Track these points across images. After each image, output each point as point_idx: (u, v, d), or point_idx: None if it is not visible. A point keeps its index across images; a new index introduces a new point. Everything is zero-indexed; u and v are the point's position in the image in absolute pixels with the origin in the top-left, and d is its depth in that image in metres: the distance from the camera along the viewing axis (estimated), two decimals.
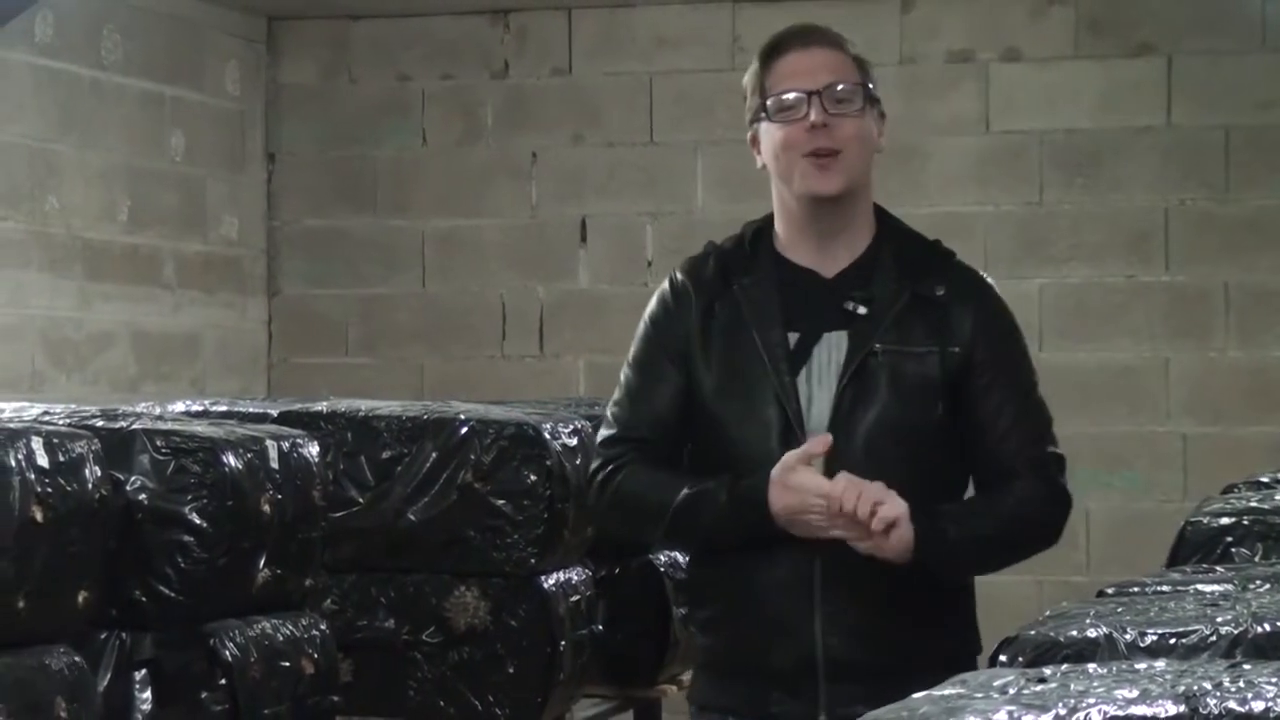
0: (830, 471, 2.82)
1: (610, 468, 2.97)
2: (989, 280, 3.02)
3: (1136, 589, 2.01)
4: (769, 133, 2.93)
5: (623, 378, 3.03)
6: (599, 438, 3.06)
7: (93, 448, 3.35)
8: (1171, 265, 6.92)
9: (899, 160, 6.92)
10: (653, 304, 3.04)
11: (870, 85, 2.97)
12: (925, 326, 2.90)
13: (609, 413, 3.03)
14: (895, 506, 2.75)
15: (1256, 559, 2.39)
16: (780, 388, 2.86)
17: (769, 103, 2.92)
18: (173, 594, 3.57)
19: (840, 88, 2.91)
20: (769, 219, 3.01)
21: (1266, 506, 2.54)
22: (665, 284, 3.03)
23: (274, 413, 4.42)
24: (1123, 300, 6.93)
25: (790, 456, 2.78)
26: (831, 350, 2.90)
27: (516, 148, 7.37)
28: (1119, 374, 6.91)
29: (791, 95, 2.90)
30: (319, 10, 7.39)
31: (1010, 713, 1.39)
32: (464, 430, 4.37)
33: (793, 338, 2.91)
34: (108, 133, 6.70)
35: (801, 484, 2.77)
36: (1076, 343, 6.90)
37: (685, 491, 2.88)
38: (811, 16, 7.18)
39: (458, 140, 7.42)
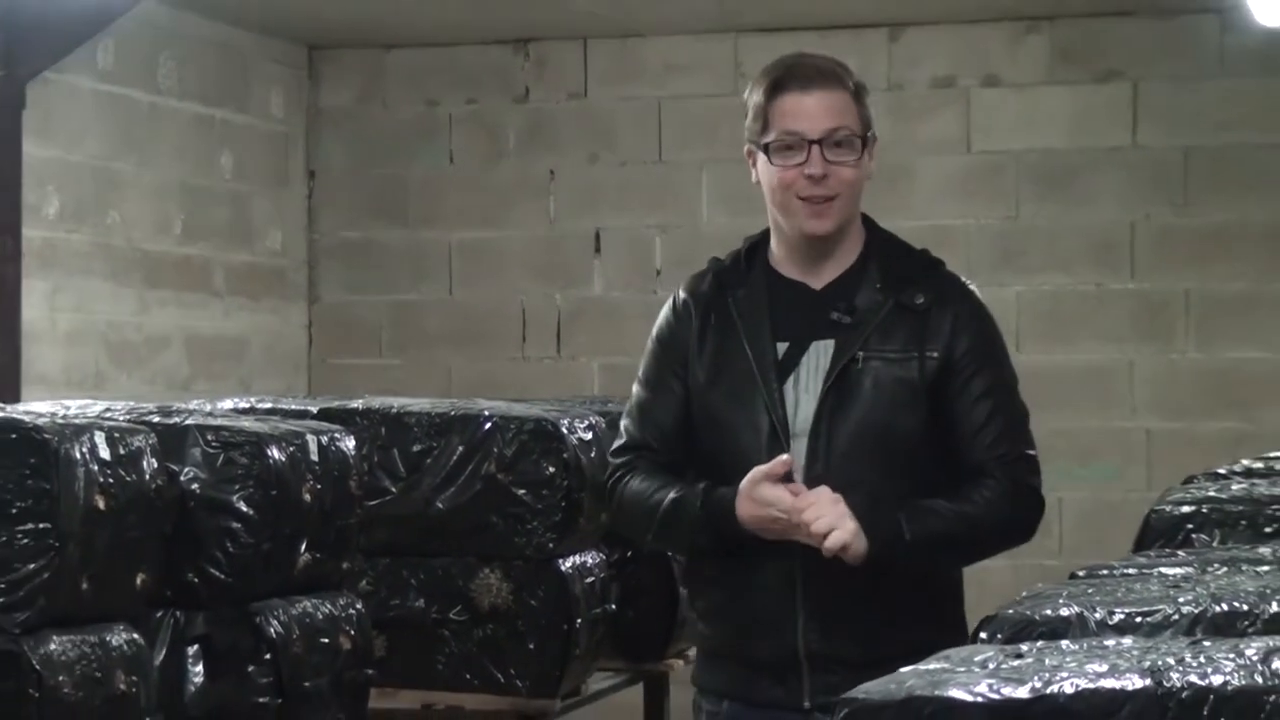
0: (813, 472, 2.79)
1: (616, 476, 2.96)
2: (970, 287, 2.97)
3: (1105, 572, 2.01)
4: (767, 168, 2.88)
5: (633, 392, 3.00)
6: (611, 448, 3.04)
7: (150, 442, 3.36)
8: (1136, 274, 6.91)
9: (888, 178, 6.91)
10: (658, 322, 3.01)
11: (868, 122, 2.89)
12: (906, 334, 2.85)
13: (621, 425, 3.01)
14: (843, 532, 2.69)
15: (1215, 544, 2.39)
16: (768, 395, 2.83)
17: (769, 142, 2.86)
18: (222, 576, 3.57)
19: (839, 134, 2.84)
20: (766, 234, 2.97)
21: (1224, 496, 2.54)
22: (669, 302, 3.00)
23: (314, 410, 4.42)
24: (1092, 306, 6.93)
25: (756, 471, 2.75)
26: (819, 358, 2.86)
27: (536, 166, 7.37)
28: (1088, 374, 6.91)
29: (792, 139, 2.83)
30: (356, 40, 7.39)
31: (990, 685, 1.39)
32: (488, 425, 4.37)
33: (782, 347, 2.87)
34: (163, 152, 6.71)
35: (764, 498, 2.74)
36: (1050, 345, 6.90)
37: (669, 498, 2.86)
38: (807, 46, 7.20)
39: (482, 159, 7.42)
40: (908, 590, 2.81)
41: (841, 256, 2.92)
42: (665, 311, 3.00)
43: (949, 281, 2.95)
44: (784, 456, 2.76)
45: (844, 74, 2.91)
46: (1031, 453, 2.89)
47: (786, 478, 2.75)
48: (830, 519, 2.71)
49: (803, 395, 2.85)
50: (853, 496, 2.76)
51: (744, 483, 2.76)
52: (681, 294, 2.98)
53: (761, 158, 2.89)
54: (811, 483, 2.79)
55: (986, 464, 2.84)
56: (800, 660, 2.82)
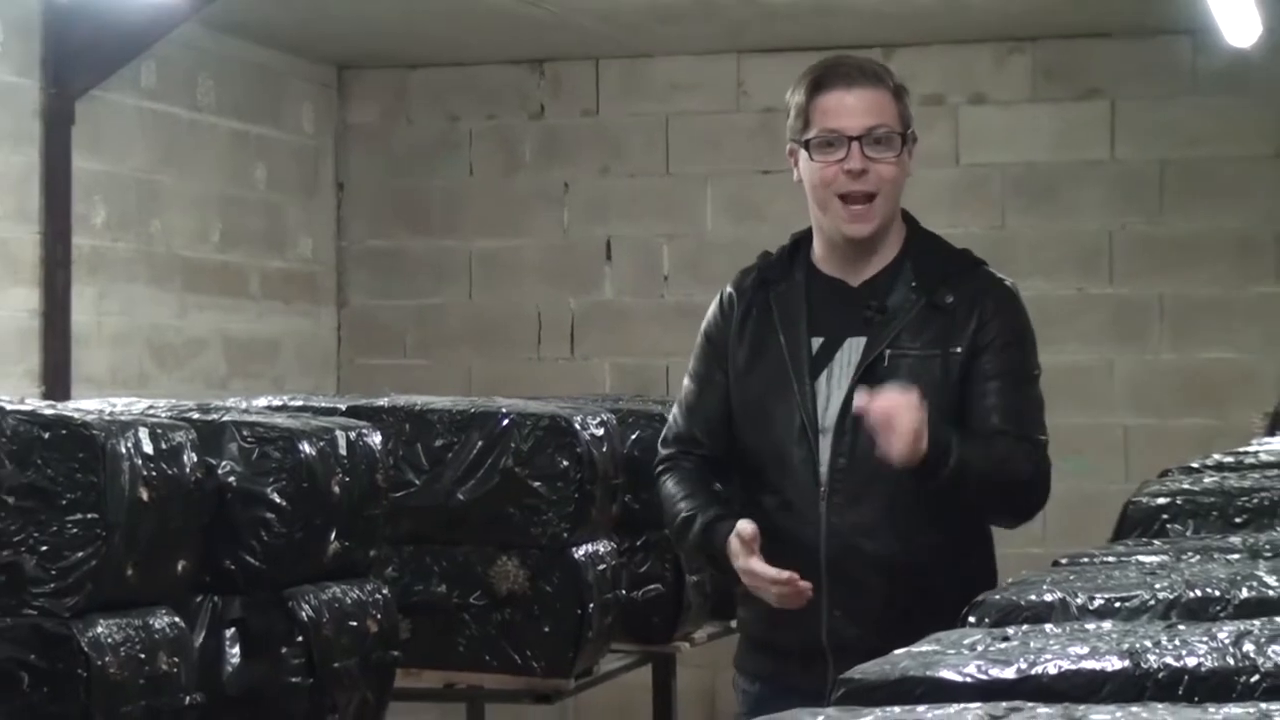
0: (836, 467, 2.72)
1: (660, 468, 2.92)
2: (1005, 283, 2.86)
3: (1086, 559, 2.01)
4: (808, 164, 2.79)
5: (683, 384, 2.94)
6: (661, 436, 2.99)
7: (190, 437, 3.36)
8: (1115, 280, 6.90)
9: None
10: (706, 317, 2.93)
11: (908, 121, 2.81)
12: (934, 332, 2.77)
13: (671, 415, 2.96)
14: (918, 429, 2.61)
15: (1188, 534, 2.38)
16: (799, 391, 2.75)
17: (811, 139, 2.77)
18: (257, 563, 3.57)
19: (879, 131, 2.77)
20: (809, 231, 2.88)
21: (1196, 488, 2.53)
22: (717, 298, 2.92)
23: (343, 407, 4.41)
24: (1073, 310, 6.91)
25: (735, 544, 2.70)
26: (851, 354, 2.78)
27: (551, 178, 7.36)
28: (1070, 373, 6.89)
29: (832, 135, 2.76)
30: (382, 60, 7.40)
31: (979, 666, 1.39)
32: (505, 422, 4.36)
33: (817, 342, 2.79)
34: (202, 165, 6.71)
35: (750, 570, 2.71)
36: None
37: (682, 515, 2.82)
38: (804, 66, 7.20)
39: (500, 172, 7.42)
40: (926, 587, 2.75)
41: (881, 255, 2.84)
42: (713, 307, 2.92)
43: (983, 279, 2.85)
44: (751, 530, 2.69)
45: (885, 74, 2.84)
46: (1041, 438, 2.81)
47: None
48: (911, 419, 2.61)
49: (834, 390, 2.77)
50: (873, 490, 2.71)
51: (734, 544, 2.71)
52: (728, 289, 2.91)
53: (803, 155, 2.80)
54: (833, 475, 2.73)
55: (995, 434, 2.76)
56: (825, 650, 2.77)
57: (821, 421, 2.75)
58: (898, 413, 2.60)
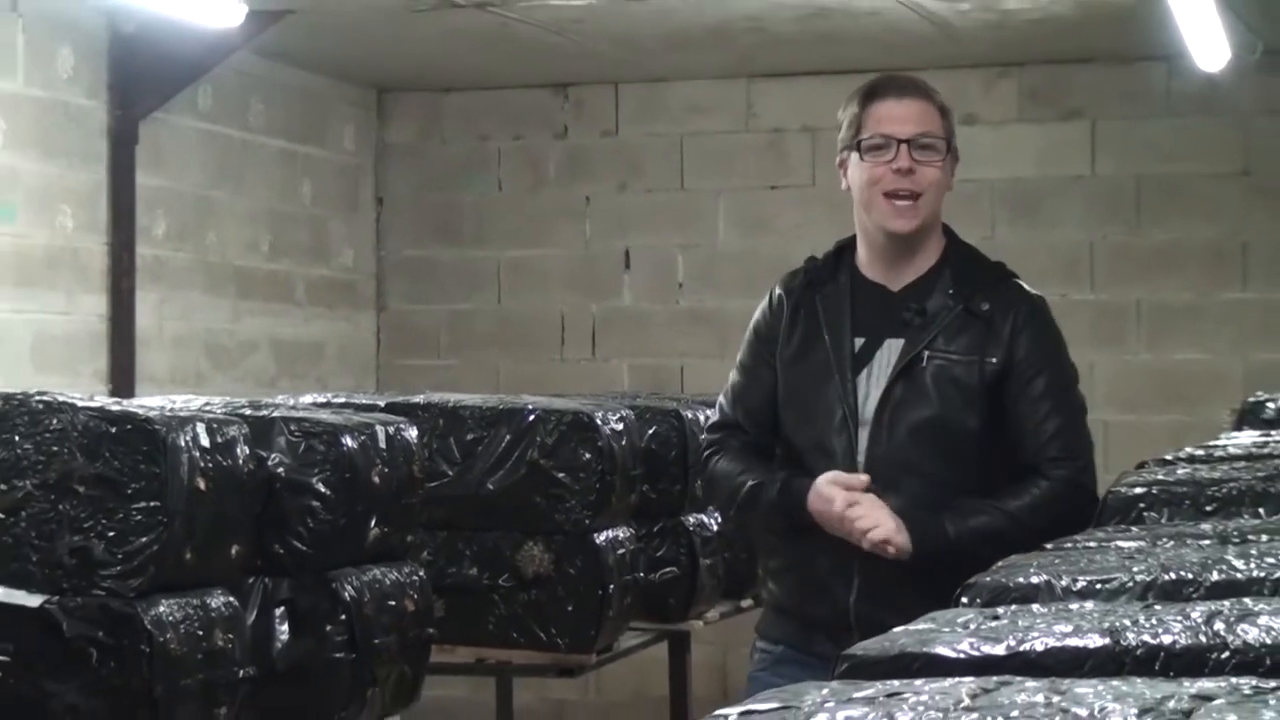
0: (873, 455, 2.70)
1: (708, 451, 2.89)
2: (1035, 296, 2.85)
3: (1070, 545, 2.01)
4: (858, 166, 2.78)
5: (731, 374, 2.92)
6: (708, 422, 2.97)
7: (242, 432, 3.37)
8: (1095, 286, 6.88)
9: None
10: (755, 315, 2.91)
11: (952, 136, 2.81)
12: (970, 338, 2.75)
13: (719, 401, 2.93)
14: (883, 530, 2.64)
15: (1163, 521, 2.37)
16: (841, 385, 2.73)
17: (862, 141, 2.76)
18: (304, 548, 3.57)
19: (926, 138, 2.77)
20: (853, 239, 2.87)
21: (1170, 479, 2.52)
22: (766, 297, 2.90)
23: (381, 404, 4.41)
24: (1057, 314, 6.85)
25: (834, 474, 2.69)
26: (890, 354, 2.76)
27: (573, 194, 7.37)
28: None
29: (883, 139, 2.75)
30: (418, 85, 7.41)
31: (971, 643, 1.39)
32: (531, 417, 4.37)
33: (859, 342, 2.77)
34: (253, 182, 6.73)
35: (824, 493, 2.69)
36: None
37: (750, 483, 2.79)
38: (813, 93, 7.22)
39: (526, 188, 7.42)
40: (950, 571, 2.71)
41: (920, 261, 2.82)
42: (762, 305, 2.90)
43: (1014, 291, 2.84)
44: (863, 477, 2.68)
45: (932, 91, 2.85)
46: (1087, 451, 2.80)
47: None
48: (872, 518, 2.64)
49: (873, 387, 2.75)
50: (907, 480, 2.68)
51: (819, 479, 2.69)
52: (777, 290, 2.89)
53: (853, 159, 2.78)
54: (870, 464, 2.71)
55: (1042, 464, 2.73)
56: (852, 622, 2.73)
57: (861, 414, 2.74)
58: (862, 511, 2.64)
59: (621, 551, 4.43)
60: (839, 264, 2.85)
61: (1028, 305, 2.82)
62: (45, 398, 3.23)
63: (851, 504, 2.67)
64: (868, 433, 2.74)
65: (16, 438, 3.15)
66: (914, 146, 2.74)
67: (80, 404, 3.22)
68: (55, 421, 3.16)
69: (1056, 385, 2.79)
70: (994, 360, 2.74)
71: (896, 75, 2.89)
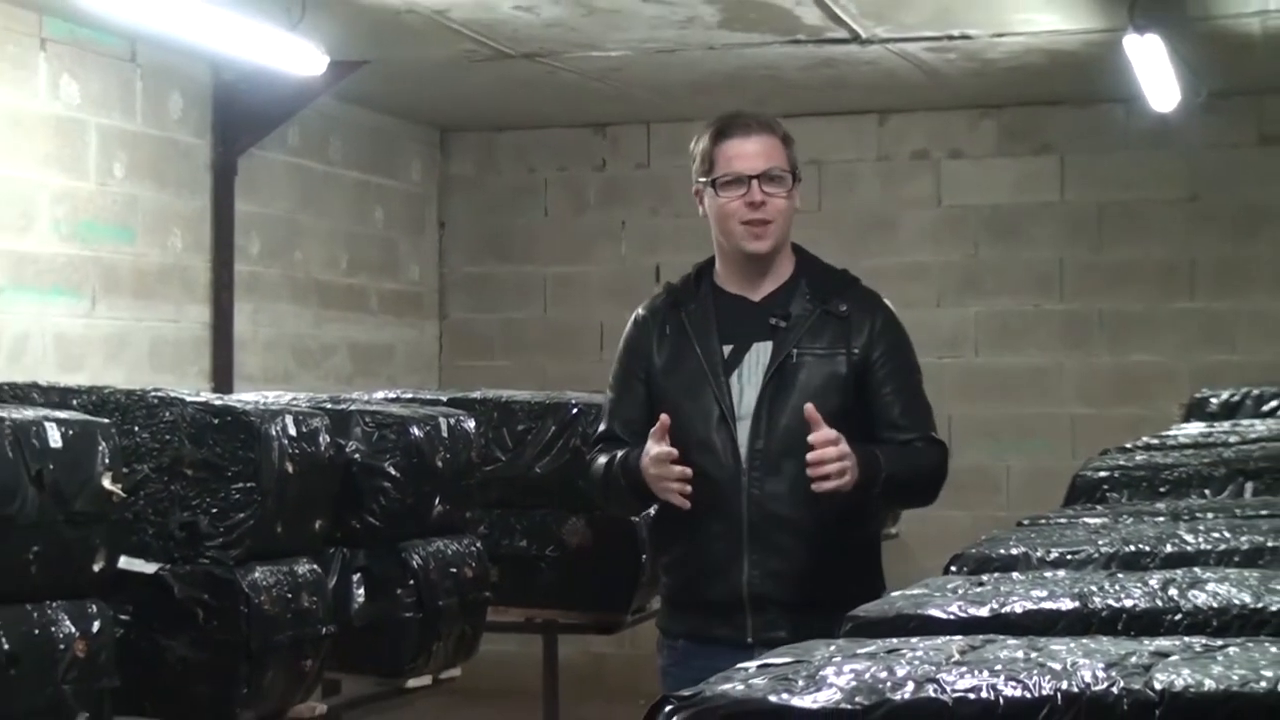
0: (755, 447, 2.62)
1: (588, 457, 2.83)
2: (884, 300, 2.78)
3: (1044, 521, 2.00)
4: (713, 198, 2.71)
5: (606, 392, 2.85)
6: (591, 439, 2.88)
7: (324, 423, 3.39)
8: (1064, 298, 6.85)
9: (879, 227, 6.91)
10: (623, 336, 2.84)
11: (795, 165, 2.72)
12: (832, 335, 2.68)
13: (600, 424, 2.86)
14: (847, 461, 2.52)
15: (1123, 500, 2.37)
16: (716, 387, 2.66)
17: (716, 180, 2.70)
18: (377, 522, 3.60)
19: (773, 171, 2.68)
20: (711, 260, 2.80)
21: (1130, 464, 2.52)
22: (631, 319, 2.83)
23: (444, 399, 4.44)
24: (1031, 322, 6.88)
25: (650, 441, 2.60)
26: (759, 356, 2.68)
27: (611, 218, 7.37)
28: (1029, 373, 6.86)
29: (734, 176, 2.68)
30: (476, 125, 7.42)
31: (960, 606, 1.39)
32: (574, 411, 4.38)
33: (727, 349, 2.70)
34: (333, 208, 6.75)
35: (649, 451, 2.61)
36: (1000, 352, 6.86)
37: (603, 465, 2.73)
38: (813, 130, 7.19)
39: (570, 213, 7.43)
40: (833, 547, 2.64)
41: (776, 274, 2.74)
42: (629, 327, 2.83)
43: (866, 294, 2.77)
44: (664, 418, 2.60)
45: (775, 125, 2.75)
46: (938, 436, 2.72)
47: (673, 436, 2.59)
48: (838, 462, 2.53)
49: (746, 386, 2.67)
50: (788, 463, 2.60)
51: (648, 447, 2.61)
52: (641, 311, 2.81)
53: (709, 193, 2.72)
54: (751, 454, 2.63)
55: (900, 433, 2.66)
56: (745, 602, 2.63)
57: (738, 411, 2.66)
58: (826, 455, 2.53)
59: None
60: (700, 283, 2.79)
61: (884, 312, 2.74)
62: (159, 394, 3.26)
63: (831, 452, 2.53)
64: (747, 426, 2.65)
65: (136, 428, 3.18)
66: (764, 180, 2.67)
67: (188, 399, 3.25)
68: (168, 414, 3.19)
69: (909, 384, 2.71)
70: (857, 351, 2.68)
71: (742, 113, 2.75)
